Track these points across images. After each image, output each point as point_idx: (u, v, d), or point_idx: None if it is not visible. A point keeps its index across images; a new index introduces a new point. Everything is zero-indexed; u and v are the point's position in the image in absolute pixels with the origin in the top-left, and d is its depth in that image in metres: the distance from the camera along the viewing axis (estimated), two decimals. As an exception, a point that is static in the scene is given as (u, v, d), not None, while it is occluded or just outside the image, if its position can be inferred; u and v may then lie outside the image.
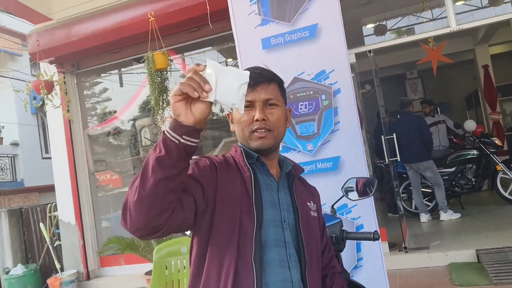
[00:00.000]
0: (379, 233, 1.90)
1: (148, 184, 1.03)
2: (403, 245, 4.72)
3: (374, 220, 3.09)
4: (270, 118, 1.35)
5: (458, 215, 5.93)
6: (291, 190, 1.42)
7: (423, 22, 7.24)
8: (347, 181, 1.96)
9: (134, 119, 6.42)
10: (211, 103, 1.07)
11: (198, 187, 1.20)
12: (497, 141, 6.33)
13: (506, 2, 6.12)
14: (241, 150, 1.38)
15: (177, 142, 1.04)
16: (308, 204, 1.46)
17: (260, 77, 1.37)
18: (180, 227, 1.15)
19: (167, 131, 1.06)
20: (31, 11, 5.42)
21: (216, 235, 1.23)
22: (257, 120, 1.33)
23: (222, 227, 1.23)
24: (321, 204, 1.60)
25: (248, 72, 1.08)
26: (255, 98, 1.34)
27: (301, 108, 3.24)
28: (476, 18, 5.33)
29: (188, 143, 1.05)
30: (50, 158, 6.64)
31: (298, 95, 3.25)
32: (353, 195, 1.98)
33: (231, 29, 3.54)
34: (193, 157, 1.27)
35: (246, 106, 1.29)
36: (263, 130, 1.33)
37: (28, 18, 5.83)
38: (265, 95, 1.36)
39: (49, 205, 6.53)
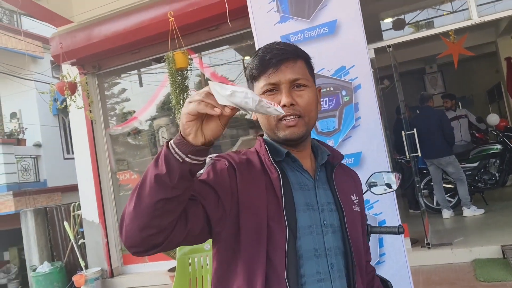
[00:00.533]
0: (403, 227, 1.90)
1: (144, 203, 0.91)
2: (425, 241, 4.67)
3: (396, 216, 3.07)
4: (300, 102, 1.14)
5: (481, 211, 5.83)
6: (331, 184, 1.22)
7: (443, 15, 7.13)
8: (371, 175, 1.96)
9: (154, 119, 6.50)
10: (225, 125, 0.95)
11: (210, 194, 1.05)
12: (522, 135, 6.21)
13: (529, -8, 5.98)
14: (265, 147, 1.19)
15: (181, 160, 0.90)
16: (352, 197, 1.28)
17: (284, 54, 1.16)
18: (186, 240, 1.02)
19: (171, 145, 0.92)
20: (54, 14, 5.55)
21: (243, 248, 1.07)
22: (284, 105, 1.12)
23: (249, 238, 1.07)
24: None
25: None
26: (280, 80, 1.14)
27: (321, 104, 3.24)
28: (498, 9, 5.22)
29: (194, 162, 0.91)
30: (71, 158, 6.77)
31: (318, 91, 3.25)
32: (377, 189, 1.98)
33: (249, 27, 3.56)
34: (211, 155, 1.16)
35: (269, 90, 1.15)
36: (292, 117, 1.14)
37: (51, 22, 5.97)
38: (292, 75, 1.14)
39: (72, 204, 6.67)
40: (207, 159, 1.12)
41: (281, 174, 1.13)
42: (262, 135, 1.28)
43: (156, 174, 0.90)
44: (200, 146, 0.91)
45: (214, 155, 1.19)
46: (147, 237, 0.94)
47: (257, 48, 3.48)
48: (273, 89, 1.15)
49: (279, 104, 1.10)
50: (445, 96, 7.48)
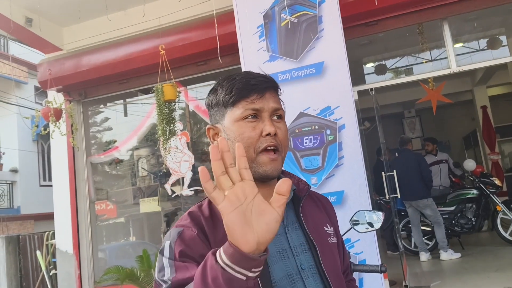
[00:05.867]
0: (385, 266, 1.93)
1: None
2: (404, 283, 4.67)
3: (376, 255, 3.10)
4: (280, 134, 1.07)
5: (458, 255, 5.89)
6: (300, 221, 1.11)
7: (423, 63, 7.45)
8: (355, 213, 2.00)
9: (136, 149, 6.48)
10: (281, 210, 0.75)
11: None
12: (497, 181, 6.38)
13: (503, 46, 6.33)
14: None
15: (244, 278, 0.74)
16: (326, 229, 1.18)
17: (269, 82, 1.10)
18: None
19: (225, 264, 0.74)
20: (44, 42, 5.59)
21: None
22: (268, 134, 1.04)
23: None
24: None
25: None
26: (263, 107, 1.06)
27: (306, 142, 3.31)
28: (475, 60, 5.50)
29: (257, 273, 0.76)
30: (47, 185, 6.65)
31: (303, 129, 3.33)
32: (360, 227, 2.01)
33: (238, 64, 3.65)
34: (176, 228, 1.01)
35: (250, 116, 1.05)
36: (273, 151, 1.05)
37: (40, 48, 6.00)
38: (275, 104, 1.08)
39: (46, 233, 6.50)
40: (174, 232, 0.99)
41: None
42: None
43: None
44: (261, 254, 0.74)
45: (179, 229, 1.00)
46: None
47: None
48: (254, 115, 1.06)
49: (262, 133, 1.04)
50: (427, 139, 7.61)
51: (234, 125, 1.06)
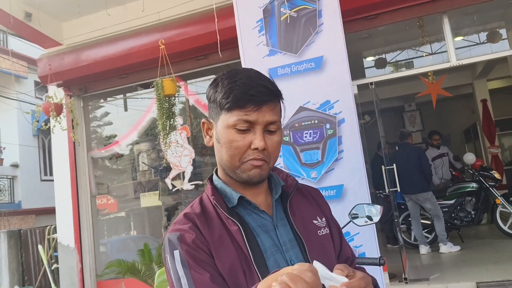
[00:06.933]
0: (384, 259, 1.95)
1: None
2: (403, 276, 4.71)
3: (376, 249, 3.13)
4: (270, 147, 1.06)
5: (457, 248, 5.92)
6: (288, 217, 1.13)
7: (423, 56, 7.44)
8: (353, 207, 2.02)
9: (136, 143, 6.50)
10: None
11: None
12: (497, 175, 6.39)
13: (503, 39, 6.32)
14: (218, 197, 1.09)
15: None
16: (315, 222, 1.18)
17: (270, 94, 1.06)
18: None
19: None
20: (44, 36, 5.60)
21: None
22: (256, 148, 1.04)
23: None
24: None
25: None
26: (257, 120, 1.04)
27: (305, 136, 3.32)
28: (475, 54, 5.50)
29: None
30: (48, 180, 6.68)
31: (303, 123, 3.34)
32: (359, 221, 2.03)
33: (237, 58, 3.65)
34: (174, 233, 1.03)
35: (241, 129, 1.05)
36: (259, 160, 1.06)
37: (40, 43, 6.00)
38: (271, 118, 1.06)
39: (48, 227, 6.53)
40: (174, 237, 1.02)
41: (240, 223, 1.05)
42: (211, 178, 1.17)
43: None
44: None
45: (176, 233, 1.03)
46: None
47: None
48: (246, 129, 1.05)
49: (251, 146, 1.04)
50: (434, 132, 7.48)
51: (225, 131, 1.06)
